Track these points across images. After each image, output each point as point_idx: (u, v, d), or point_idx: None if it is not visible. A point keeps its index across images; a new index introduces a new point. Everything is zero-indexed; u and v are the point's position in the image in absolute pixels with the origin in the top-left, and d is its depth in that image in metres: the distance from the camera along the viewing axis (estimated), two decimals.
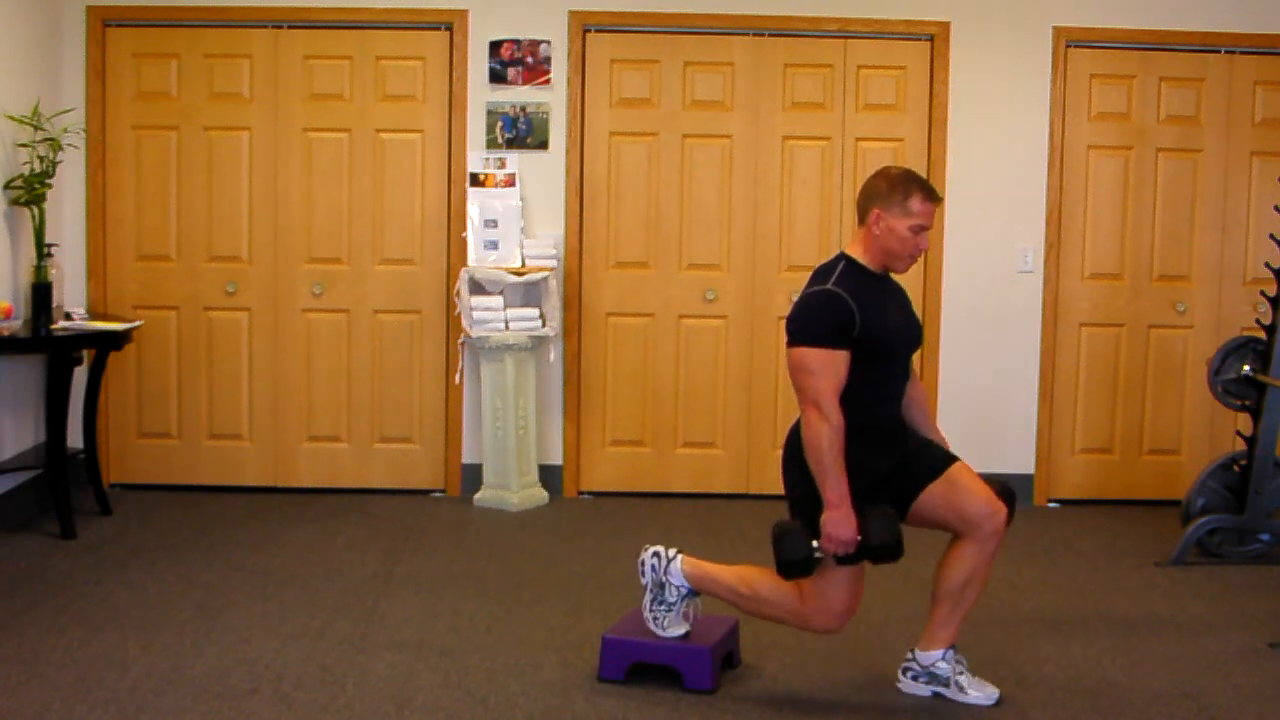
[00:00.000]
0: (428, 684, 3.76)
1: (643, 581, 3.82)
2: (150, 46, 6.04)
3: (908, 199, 3.54)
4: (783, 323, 6.09)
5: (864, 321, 3.47)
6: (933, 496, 3.57)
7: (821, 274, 3.58)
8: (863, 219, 3.61)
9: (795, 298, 3.62)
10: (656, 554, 3.82)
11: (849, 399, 3.48)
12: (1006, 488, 3.67)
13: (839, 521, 3.43)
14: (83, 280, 6.03)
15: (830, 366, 3.46)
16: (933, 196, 3.57)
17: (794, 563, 3.51)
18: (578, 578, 4.87)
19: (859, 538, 3.45)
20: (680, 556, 3.80)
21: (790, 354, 3.53)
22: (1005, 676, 3.87)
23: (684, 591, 3.78)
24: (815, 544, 3.48)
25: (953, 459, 3.65)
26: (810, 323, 3.50)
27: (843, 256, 3.61)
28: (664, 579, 3.78)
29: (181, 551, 5.12)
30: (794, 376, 3.52)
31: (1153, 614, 4.58)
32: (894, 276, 3.69)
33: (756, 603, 3.70)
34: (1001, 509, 3.58)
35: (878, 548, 3.46)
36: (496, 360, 5.88)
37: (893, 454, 3.60)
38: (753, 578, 3.72)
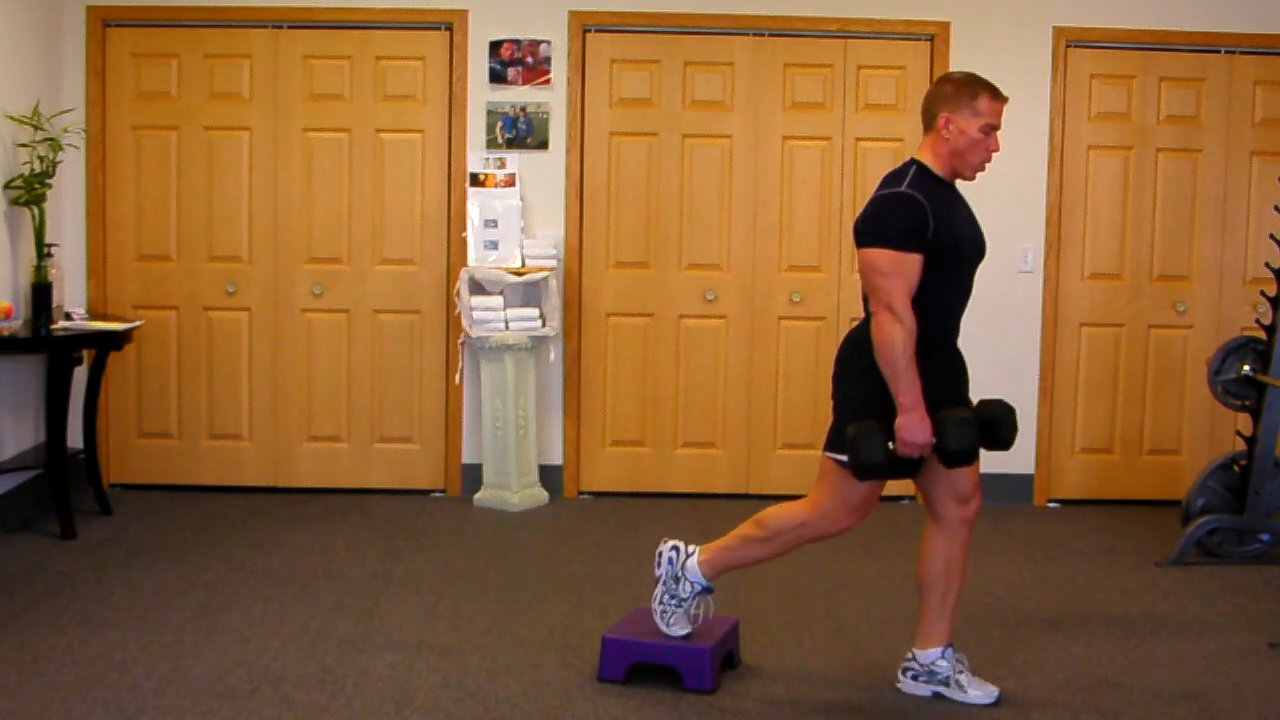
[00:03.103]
0: (427, 684, 3.76)
1: (657, 573, 3.81)
2: (150, 46, 6.03)
3: (975, 99, 3.50)
4: (783, 323, 6.22)
5: (937, 225, 3.43)
6: (932, 459, 3.53)
7: (893, 178, 3.52)
8: (930, 125, 3.55)
9: (866, 201, 3.53)
10: (676, 547, 3.81)
11: (911, 305, 3.42)
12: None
13: (913, 425, 3.38)
14: (83, 280, 6.03)
15: (904, 268, 3.40)
16: (1000, 95, 3.54)
17: (872, 466, 3.41)
18: (578, 578, 4.87)
19: (934, 440, 3.40)
20: (698, 551, 3.78)
21: (862, 255, 3.46)
22: (1005, 676, 3.87)
23: (699, 588, 3.77)
24: (890, 445, 3.40)
25: None
26: (884, 223, 3.43)
27: (913, 162, 3.55)
28: (680, 573, 3.76)
29: (181, 551, 5.12)
30: (866, 278, 3.46)
31: (1153, 614, 4.58)
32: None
33: (774, 538, 3.67)
34: (972, 504, 3.60)
35: (955, 453, 3.41)
36: (496, 360, 5.88)
37: (940, 374, 3.53)
38: (759, 518, 3.70)
